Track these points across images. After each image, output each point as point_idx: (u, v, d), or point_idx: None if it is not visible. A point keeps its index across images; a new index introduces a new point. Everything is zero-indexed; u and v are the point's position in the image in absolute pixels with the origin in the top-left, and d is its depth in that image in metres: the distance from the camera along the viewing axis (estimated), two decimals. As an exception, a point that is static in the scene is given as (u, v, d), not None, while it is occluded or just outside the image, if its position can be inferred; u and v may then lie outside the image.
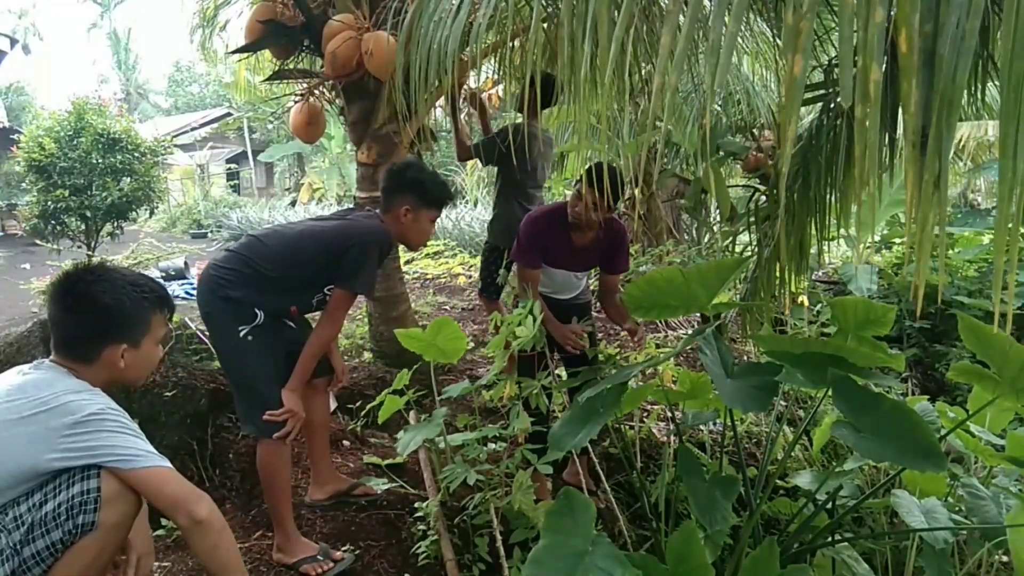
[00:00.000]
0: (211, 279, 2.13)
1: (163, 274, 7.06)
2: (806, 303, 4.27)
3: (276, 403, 2.13)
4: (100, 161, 7.29)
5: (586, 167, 2.48)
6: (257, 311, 2.13)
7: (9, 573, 1.38)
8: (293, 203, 16.43)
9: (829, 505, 2.19)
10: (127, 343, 1.56)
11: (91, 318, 1.54)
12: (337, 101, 3.63)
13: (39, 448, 1.40)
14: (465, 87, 3.65)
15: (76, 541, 1.43)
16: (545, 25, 2.66)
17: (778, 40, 3.28)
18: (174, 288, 6.74)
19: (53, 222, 7.39)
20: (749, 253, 3.24)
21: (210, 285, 2.13)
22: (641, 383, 3.16)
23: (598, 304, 3.08)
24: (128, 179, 7.57)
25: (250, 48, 3.39)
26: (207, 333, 2.35)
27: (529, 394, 2.28)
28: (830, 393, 1.74)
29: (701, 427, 3.13)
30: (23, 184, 8.19)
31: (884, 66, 1.04)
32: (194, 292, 2.40)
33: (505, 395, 2.38)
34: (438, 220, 2.51)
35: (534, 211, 2.76)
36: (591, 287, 3.15)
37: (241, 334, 2.10)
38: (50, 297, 1.57)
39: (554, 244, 2.61)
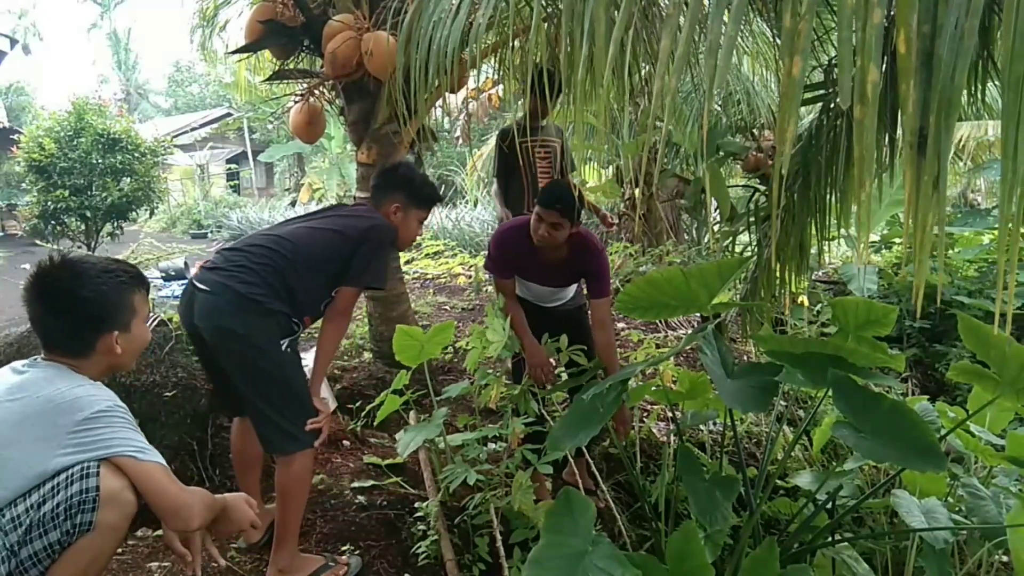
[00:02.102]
0: (241, 297, 1.96)
1: (163, 274, 7.05)
2: (806, 303, 4.27)
3: (314, 411, 2.11)
4: (100, 161, 7.30)
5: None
6: (296, 322, 2.09)
7: (6, 574, 1.38)
8: (293, 203, 16.42)
9: (829, 505, 2.19)
10: (119, 329, 1.58)
11: (78, 314, 1.54)
12: (337, 101, 3.63)
13: (47, 447, 1.40)
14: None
15: (73, 542, 1.42)
16: (545, 25, 2.66)
17: (778, 40, 3.28)
18: (174, 288, 6.73)
19: (53, 222, 7.41)
20: (749, 253, 3.24)
21: (242, 304, 1.97)
22: (641, 383, 3.16)
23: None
24: (128, 179, 7.58)
25: (250, 48, 3.39)
26: (238, 355, 2.02)
27: (518, 399, 2.28)
28: (830, 393, 1.75)
29: (701, 427, 3.13)
30: (23, 184, 8.20)
31: (883, 67, 1.04)
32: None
33: (492, 399, 2.38)
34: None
35: (503, 225, 2.70)
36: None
37: (283, 347, 2.03)
38: (29, 298, 1.55)
39: (523, 260, 2.55)
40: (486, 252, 2.67)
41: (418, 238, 8.55)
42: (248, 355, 2.00)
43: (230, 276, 2.00)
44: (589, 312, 2.67)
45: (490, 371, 2.49)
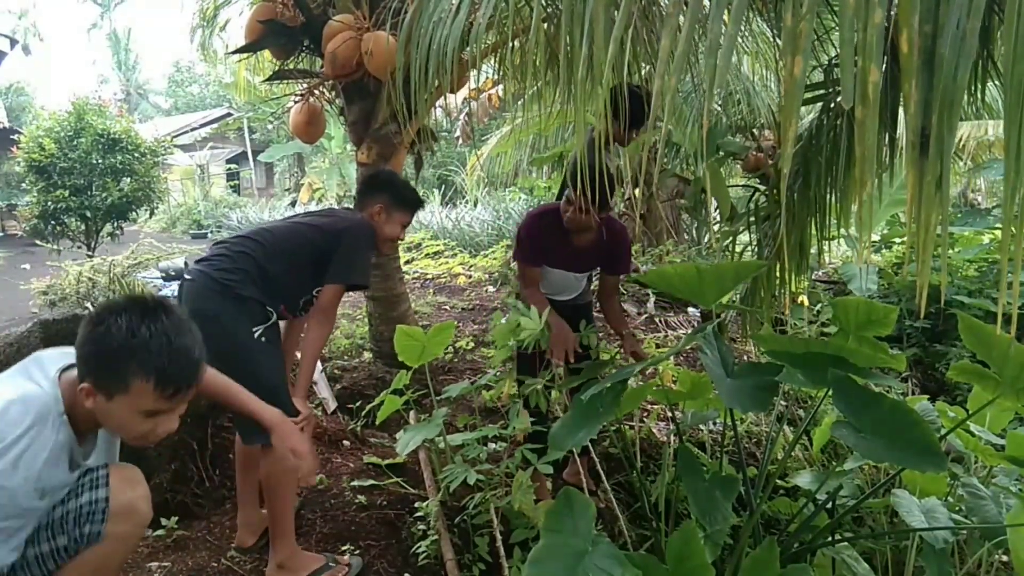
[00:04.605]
0: (214, 281, 2.03)
1: (163, 274, 7.06)
2: (806, 303, 4.27)
3: (292, 407, 2.08)
4: (100, 161, 7.30)
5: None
6: (270, 310, 2.09)
7: (7, 570, 1.38)
8: (293, 203, 16.43)
9: (829, 505, 2.19)
10: (94, 386, 1.35)
11: (81, 339, 1.38)
12: (337, 101, 3.63)
13: None
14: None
15: (81, 550, 1.41)
16: (545, 25, 2.66)
17: (778, 40, 3.28)
18: (174, 288, 6.73)
19: (53, 222, 7.41)
20: (749, 253, 3.24)
21: (214, 287, 2.02)
22: (641, 383, 3.16)
23: (599, 304, 3.06)
24: (128, 179, 7.59)
25: (250, 48, 3.40)
26: (209, 338, 2.11)
27: (529, 393, 2.28)
28: (830, 393, 1.75)
29: (701, 427, 3.13)
30: (23, 184, 8.21)
31: (884, 67, 1.04)
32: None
33: (504, 394, 2.37)
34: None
35: (535, 210, 2.74)
36: (592, 287, 3.12)
37: (256, 335, 2.04)
38: None
39: (553, 244, 2.59)
40: (514, 241, 2.70)
41: (417, 239, 8.54)
42: (217, 338, 1.97)
43: (208, 264, 2.09)
44: (597, 290, 2.78)
45: (492, 371, 2.49)
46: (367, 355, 3.96)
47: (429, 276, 6.95)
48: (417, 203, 2.49)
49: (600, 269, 2.74)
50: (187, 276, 2.11)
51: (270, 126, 18.66)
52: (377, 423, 2.92)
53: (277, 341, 2.15)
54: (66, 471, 1.41)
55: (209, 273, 2.06)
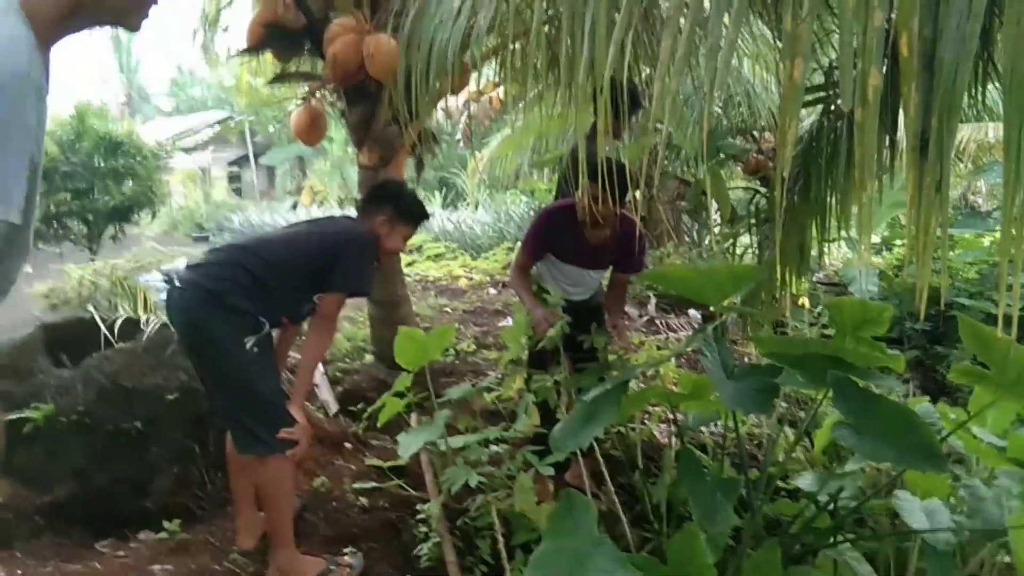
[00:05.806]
0: (206, 292, 2.01)
1: (165, 277, 7.07)
2: (807, 305, 4.27)
3: (287, 416, 2.07)
4: (102, 164, 7.33)
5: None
6: (262, 320, 2.07)
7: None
8: (295, 206, 16.42)
9: (831, 506, 2.19)
10: None
11: None
12: (339, 104, 3.64)
13: None
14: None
15: None
16: (546, 28, 2.67)
17: (778, 42, 3.29)
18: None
19: (55, 225, 7.42)
20: (749, 255, 3.24)
21: (206, 298, 2.00)
22: (643, 385, 3.16)
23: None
24: (130, 182, 7.61)
25: (252, 51, 3.40)
26: (200, 348, 2.08)
27: (539, 389, 2.28)
28: (830, 394, 1.75)
29: (702, 429, 3.13)
30: (25, 187, 8.21)
31: (884, 69, 1.05)
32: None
33: (514, 390, 2.38)
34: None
35: (553, 204, 2.73)
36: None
37: (248, 345, 2.01)
38: None
39: (568, 240, 2.57)
40: (526, 232, 2.67)
41: (418, 241, 8.54)
42: (208, 349, 2.04)
43: (200, 272, 2.07)
44: (607, 288, 2.76)
45: (495, 373, 2.49)
46: (368, 358, 3.97)
47: (430, 279, 6.96)
48: (422, 217, 2.48)
49: (612, 267, 2.71)
50: (177, 284, 2.07)
51: (272, 129, 18.68)
52: (379, 426, 2.91)
53: (269, 351, 2.13)
54: (44, 100, 0.96)
55: (200, 282, 2.03)
